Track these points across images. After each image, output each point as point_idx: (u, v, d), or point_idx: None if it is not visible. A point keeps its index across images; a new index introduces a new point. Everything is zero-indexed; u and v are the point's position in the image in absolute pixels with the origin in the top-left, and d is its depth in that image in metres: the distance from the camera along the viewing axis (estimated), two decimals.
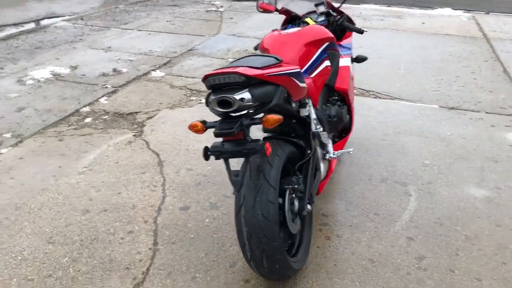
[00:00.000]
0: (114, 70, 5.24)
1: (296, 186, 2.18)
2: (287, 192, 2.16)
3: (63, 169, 3.23)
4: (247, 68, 1.82)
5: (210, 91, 1.86)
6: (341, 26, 2.98)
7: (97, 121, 3.99)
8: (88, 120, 4.02)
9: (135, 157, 3.40)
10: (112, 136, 3.72)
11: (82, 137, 3.69)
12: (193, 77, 5.09)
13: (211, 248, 2.48)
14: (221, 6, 9.20)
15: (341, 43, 3.00)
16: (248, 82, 1.80)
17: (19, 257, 2.40)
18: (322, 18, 2.99)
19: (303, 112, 2.30)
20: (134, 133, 3.76)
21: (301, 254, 2.30)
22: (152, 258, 2.42)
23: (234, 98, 1.75)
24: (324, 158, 2.56)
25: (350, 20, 3.18)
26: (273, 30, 2.69)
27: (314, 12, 3.05)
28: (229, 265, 2.36)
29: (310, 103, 2.36)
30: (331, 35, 2.70)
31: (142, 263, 2.38)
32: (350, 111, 2.90)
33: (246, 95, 1.78)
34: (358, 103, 4.47)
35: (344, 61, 2.85)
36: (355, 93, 4.74)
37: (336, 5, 3.16)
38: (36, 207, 2.81)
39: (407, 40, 6.89)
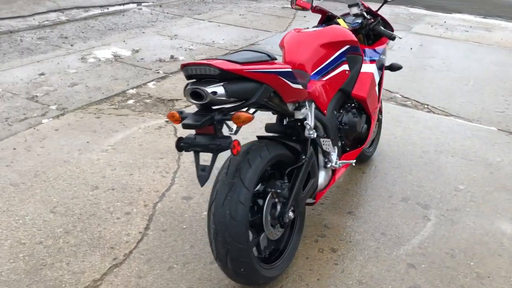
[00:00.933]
0: (172, 57, 5.38)
1: (279, 190, 2.08)
2: (269, 196, 2.07)
3: (89, 144, 3.37)
4: (226, 61, 1.75)
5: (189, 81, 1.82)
6: (373, 30, 2.80)
7: (137, 104, 4.11)
8: (130, 102, 4.16)
9: (159, 142, 3.46)
10: (146, 119, 3.82)
11: (119, 117, 3.83)
12: None
13: (198, 242, 2.46)
14: None
15: (372, 48, 2.81)
16: (223, 76, 1.73)
17: (20, 221, 2.54)
18: (356, 20, 2.82)
19: (297, 115, 2.18)
20: (167, 119, 3.82)
21: (280, 263, 2.20)
22: (138, 242, 2.44)
23: (206, 91, 1.70)
24: (325, 167, 2.42)
25: (387, 25, 2.99)
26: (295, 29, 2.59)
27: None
28: (209, 262, 2.32)
29: (312, 106, 2.24)
30: (353, 38, 2.55)
31: (127, 245, 2.41)
32: (369, 121, 2.73)
33: (219, 89, 1.71)
34: (407, 115, 4.21)
35: (368, 67, 2.68)
36: (402, 104, 4.47)
37: (375, 8, 2.98)
38: (52, 177, 2.95)
39: (486, 55, 6.37)
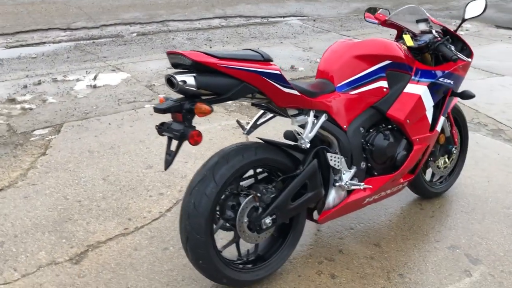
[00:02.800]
0: (292, 67, 5.50)
1: (259, 194, 2.04)
2: (249, 197, 2.04)
3: None
4: (202, 54, 1.80)
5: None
6: (437, 50, 2.49)
7: (234, 104, 4.33)
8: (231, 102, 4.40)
9: (229, 139, 3.61)
10: (231, 118, 4.01)
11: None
12: None
13: None
14: (467, 30, 8.35)
15: (432, 69, 2.50)
16: (197, 67, 1.79)
17: (76, 181, 2.95)
18: (424, 38, 2.56)
19: (293, 122, 2.09)
20: (248, 121, 3.95)
21: (256, 270, 2.15)
22: (154, 220, 2.62)
23: (176, 79, 1.77)
24: (334, 185, 2.26)
25: (465, 46, 2.63)
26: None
27: None
28: None
29: (322, 117, 2.12)
30: (396, 53, 2.33)
31: (143, 220, 2.61)
32: (409, 148, 2.44)
33: (189, 79, 1.77)
34: None
35: (415, 88, 2.39)
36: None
37: (452, 27, 2.65)
38: (123, 151, 3.33)
39: None
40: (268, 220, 2.05)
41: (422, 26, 2.55)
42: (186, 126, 1.83)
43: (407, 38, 2.54)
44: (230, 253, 2.22)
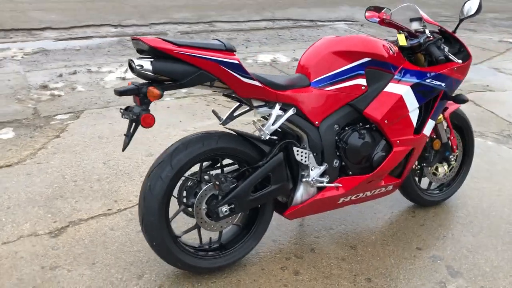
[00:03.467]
0: None
1: (217, 183, 2.06)
2: (209, 185, 2.07)
3: (179, 123, 3.80)
4: (160, 40, 1.86)
5: None
6: (427, 50, 2.39)
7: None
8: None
9: None
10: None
11: (225, 108, 4.17)
12: None
13: (179, 220, 2.57)
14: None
15: (421, 70, 2.40)
16: (155, 53, 1.85)
17: (78, 163, 3.12)
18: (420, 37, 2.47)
19: (255, 114, 2.09)
20: None
21: (214, 258, 2.17)
22: (137, 204, 2.71)
23: (133, 62, 1.85)
24: (301, 180, 2.23)
25: (462, 48, 2.51)
26: None
27: None
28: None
29: (289, 111, 2.11)
30: (376, 51, 2.26)
31: (127, 203, 2.71)
32: (388, 150, 2.35)
33: (146, 64, 1.83)
34: None
35: (396, 88, 2.30)
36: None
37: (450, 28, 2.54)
38: None
39: None
40: (225, 208, 2.07)
41: (416, 25, 2.47)
42: (142, 110, 1.89)
43: (400, 37, 2.47)
44: (194, 239, 2.26)
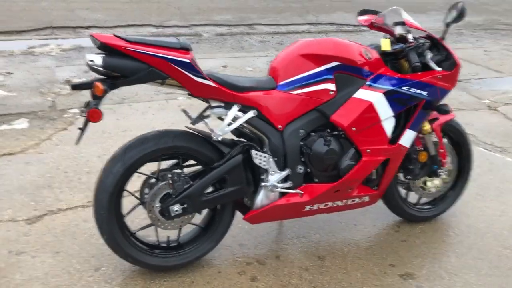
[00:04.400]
0: None
1: (170, 182, 2.06)
2: (163, 183, 2.08)
3: (186, 122, 3.83)
4: (113, 37, 1.89)
5: None
6: (406, 56, 2.27)
7: None
8: None
9: None
10: None
11: None
12: None
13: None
14: None
15: (400, 76, 2.27)
16: (107, 49, 1.88)
17: (75, 156, 3.23)
18: (400, 43, 2.35)
19: (211, 114, 2.07)
20: None
21: (166, 257, 2.18)
22: None
23: (86, 57, 1.89)
24: (259, 185, 2.18)
25: (449, 55, 2.36)
26: None
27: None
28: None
29: (249, 113, 2.08)
30: (346, 55, 2.17)
31: None
32: (356, 158, 2.25)
33: (97, 59, 1.87)
34: None
35: (366, 94, 2.19)
36: None
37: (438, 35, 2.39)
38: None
39: None
40: (176, 207, 2.06)
41: (399, 30, 2.35)
42: (94, 105, 1.93)
43: (384, 42, 2.35)
44: (162, 236, 2.25)
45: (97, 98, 1.93)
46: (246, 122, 2.12)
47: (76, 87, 1.93)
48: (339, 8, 9.83)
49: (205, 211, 2.29)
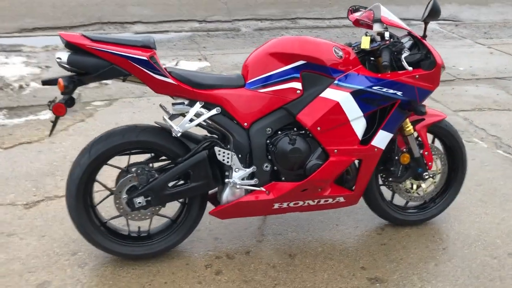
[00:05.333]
0: None
1: (134, 174, 2.16)
2: (129, 175, 2.18)
3: None
4: (79, 36, 2.00)
5: None
6: (381, 54, 2.19)
7: None
8: None
9: None
10: None
11: None
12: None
13: None
14: None
15: (370, 75, 2.20)
16: (72, 47, 2.00)
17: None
18: (379, 41, 2.28)
19: (171, 109, 2.13)
20: None
21: (135, 246, 2.27)
22: None
23: (56, 55, 2.02)
24: (225, 181, 2.21)
25: (428, 54, 2.26)
26: None
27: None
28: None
29: (213, 110, 2.12)
30: (311, 54, 2.15)
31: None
32: (324, 158, 2.21)
33: (63, 56, 1.98)
34: None
35: (333, 94, 2.14)
36: None
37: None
38: None
39: None
40: (139, 200, 2.15)
41: (377, 27, 2.28)
42: (61, 100, 2.05)
43: (364, 40, 2.30)
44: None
45: (64, 94, 2.05)
46: (210, 119, 2.16)
47: (46, 82, 2.06)
48: (390, 2, 9.49)
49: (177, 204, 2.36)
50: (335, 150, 2.20)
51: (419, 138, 2.43)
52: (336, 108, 2.16)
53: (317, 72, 2.17)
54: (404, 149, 2.43)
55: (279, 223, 2.63)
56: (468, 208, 2.79)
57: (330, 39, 2.50)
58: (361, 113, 2.19)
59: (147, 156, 2.32)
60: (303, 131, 2.22)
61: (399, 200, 2.62)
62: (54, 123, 2.12)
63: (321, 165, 2.21)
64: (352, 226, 2.64)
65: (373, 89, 2.18)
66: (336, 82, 2.18)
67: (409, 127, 2.37)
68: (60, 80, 1.98)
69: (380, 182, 2.53)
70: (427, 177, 2.48)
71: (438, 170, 2.55)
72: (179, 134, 2.12)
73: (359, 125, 2.21)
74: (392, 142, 2.39)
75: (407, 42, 2.33)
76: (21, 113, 4.00)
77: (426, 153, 2.44)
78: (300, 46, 2.17)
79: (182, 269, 2.29)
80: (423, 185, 2.54)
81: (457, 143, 2.54)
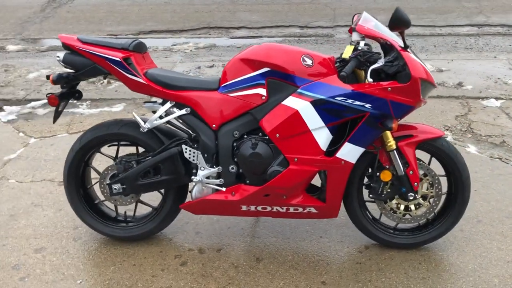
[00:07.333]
0: (459, 83, 4.76)
1: (114, 163, 2.40)
2: (111, 164, 2.44)
3: None
4: (71, 37, 2.31)
5: None
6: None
7: None
8: None
9: None
10: None
11: None
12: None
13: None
14: None
15: (337, 85, 2.12)
16: (67, 48, 2.32)
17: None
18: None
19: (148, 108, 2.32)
20: None
21: (116, 228, 2.52)
22: None
23: (57, 54, 2.36)
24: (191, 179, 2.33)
25: (405, 66, 2.10)
26: None
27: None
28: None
29: (182, 110, 2.27)
30: (275, 62, 2.16)
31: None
32: (284, 165, 2.19)
33: (61, 55, 2.32)
34: None
35: (293, 102, 2.10)
36: None
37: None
38: None
39: None
40: (116, 186, 2.39)
41: (355, 36, 2.20)
42: (57, 93, 2.38)
43: (347, 48, 2.24)
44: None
45: (64, 87, 2.38)
46: (180, 118, 2.31)
47: (47, 77, 2.38)
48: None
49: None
50: (295, 159, 2.18)
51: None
52: (295, 116, 2.14)
53: (281, 80, 2.17)
54: (387, 166, 2.29)
55: (264, 226, 2.66)
56: (480, 240, 2.50)
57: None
58: (322, 123, 2.13)
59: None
60: (267, 137, 2.24)
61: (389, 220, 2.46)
62: (55, 111, 2.46)
63: (280, 172, 2.21)
64: (336, 240, 2.55)
65: (336, 99, 2.11)
66: (299, 90, 2.15)
67: (391, 143, 2.23)
68: (51, 76, 2.31)
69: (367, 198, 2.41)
70: (411, 198, 2.29)
71: (430, 192, 2.34)
72: (145, 130, 2.31)
73: (321, 136, 2.15)
74: (374, 157, 2.28)
75: (392, 54, 2.19)
76: (100, 104, 4.56)
77: (411, 172, 2.26)
78: (266, 54, 2.20)
79: (154, 255, 2.47)
80: (412, 207, 2.35)
81: (455, 165, 2.30)
